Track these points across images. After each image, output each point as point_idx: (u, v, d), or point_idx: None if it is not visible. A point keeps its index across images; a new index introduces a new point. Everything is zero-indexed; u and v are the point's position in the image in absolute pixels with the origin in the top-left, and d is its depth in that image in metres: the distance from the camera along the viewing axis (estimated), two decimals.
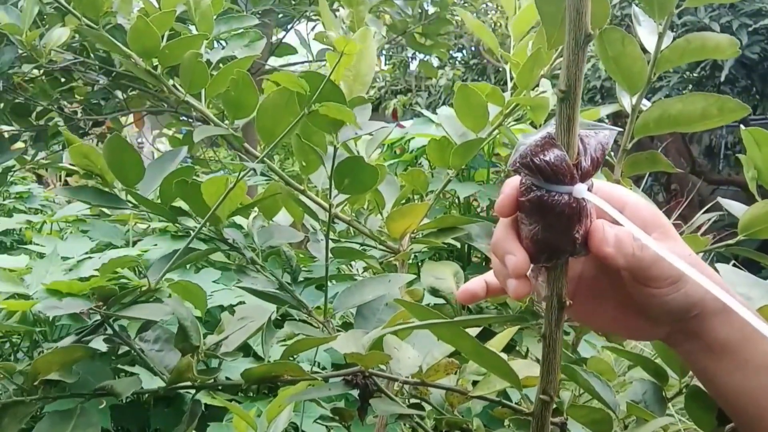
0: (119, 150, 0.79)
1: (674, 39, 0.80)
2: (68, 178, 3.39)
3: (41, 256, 1.89)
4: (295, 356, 1.69)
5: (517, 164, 0.46)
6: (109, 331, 0.81)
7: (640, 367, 0.83)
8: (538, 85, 0.90)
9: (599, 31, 0.75)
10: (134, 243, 2.05)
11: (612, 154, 0.91)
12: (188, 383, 0.73)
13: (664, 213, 0.54)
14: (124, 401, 1.63)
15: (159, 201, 0.84)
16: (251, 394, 1.68)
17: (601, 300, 0.55)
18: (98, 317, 0.80)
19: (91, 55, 1.61)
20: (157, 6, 1.00)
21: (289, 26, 2.55)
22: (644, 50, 0.80)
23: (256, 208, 0.91)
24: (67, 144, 0.83)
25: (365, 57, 0.79)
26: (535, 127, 0.98)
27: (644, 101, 0.82)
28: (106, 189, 0.83)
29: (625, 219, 0.47)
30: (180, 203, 0.87)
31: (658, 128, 0.81)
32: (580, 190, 0.46)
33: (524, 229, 0.48)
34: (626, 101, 0.82)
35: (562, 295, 0.49)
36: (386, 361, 0.72)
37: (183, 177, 0.80)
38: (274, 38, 2.51)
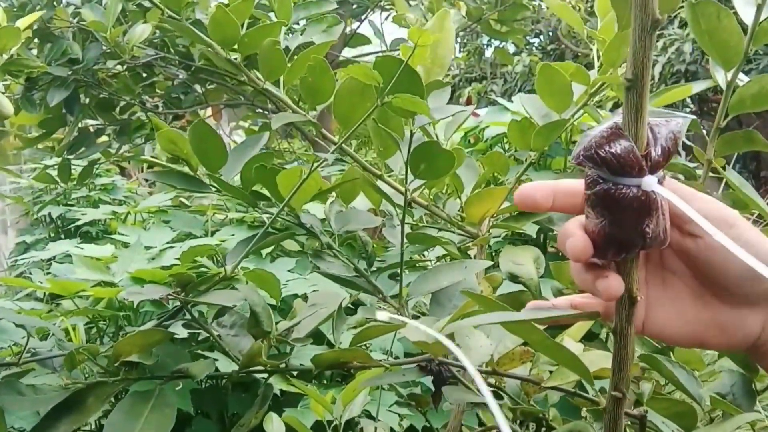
0: (204, 136, 0.82)
1: None
2: (149, 170, 3.50)
3: (126, 245, 1.96)
4: (368, 344, 1.70)
5: (581, 157, 0.44)
6: (188, 316, 0.83)
7: (728, 357, 0.79)
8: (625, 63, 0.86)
9: (692, 4, 0.71)
10: (213, 233, 2.10)
11: (705, 133, 0.87)
12: (260, 367, 0.75)
13: None
14: (203, 386, 1.67)
15: (240, 186, 0.85)
16: (324, 382, 1.70)
17: (680, 302, 0.51)
18: (177, 303, 0.82)
19: (172, 50, 1.65)
20: None
21: (362, 16, 2.56)
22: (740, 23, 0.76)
23: (333, 194, 0.92)
24: (156, 130, 0.86)
25: (444, 40, 0.78)
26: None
27: (741, 76, 0.78)
28: (191, 174, 0.85)
29: (695, 213, 0.44)
30: (260, 188, 0.88)
31: (755, 105, 0.76)
32: (649, 182, 0.43)
33: (590, 223, 0.45)
34: (720, 77, 0.78)
35: (633, 289, 0.47)
36: None
37: (262, 162, 0.82)
38: (348, 29, 2.52)
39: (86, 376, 0.77)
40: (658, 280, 0.51)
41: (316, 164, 0.78)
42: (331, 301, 0.77)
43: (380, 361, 0.74)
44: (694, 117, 0.60)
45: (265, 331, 0.75)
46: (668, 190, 0.44)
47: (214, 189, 0.85)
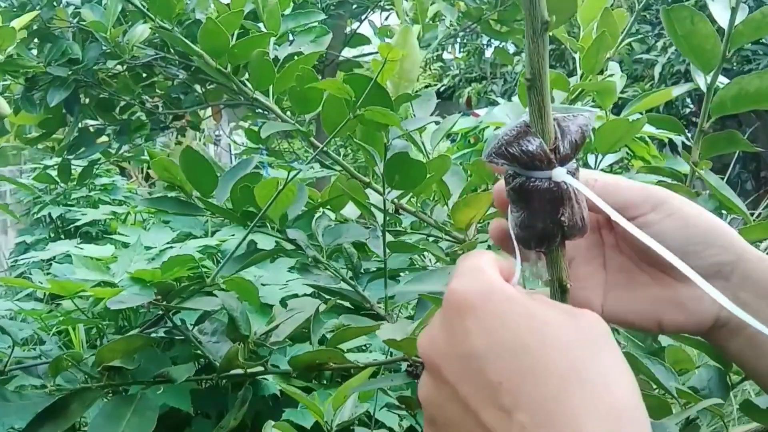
0: (194, 162, 0.84)
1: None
2: (150, 171, 3.52)
3: (126, 245, 1.97)
4: (367, 345, 1.71)
5: (492, 155, 0.47)
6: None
7: (703, 352, 0.80)
8: (605, 69, 0.88)
9: (666, 9, 0.73)
10: (213, 233, 2.11)
11: (689, 135, 0.88)
12: (239, 371, 0.77)
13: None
14: (203, 386, 1.69)
15: (231, 208, 0.87)
16: (324, 382, 1.71)
17: (636, 284, 0.52)
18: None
19: (171, 50, 1.66)
20: (227, 5, 1.03)
21: (362, 17, 2.56)
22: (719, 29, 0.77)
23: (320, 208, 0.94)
24: (150, 158, 0.88)
25: (409, 55, 0.80)
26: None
27: (722, 78, 0.79)
28: (185, 199, 0.88)
29: (601, 201, 0.47)
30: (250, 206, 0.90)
31: (735, 107, 0.78)
32: (558, 174, 0.46)
33: (513, 216, 0.48)
34: (701, 80, 0.80)
35: (563, 278, 0.49)
36: None
37: (246, 183, 0.84)
38: (348, 29, 2.52)
39: (79, 381, 0.78)
40: (615, 264, 0.53)
41: (292, 174, 0.79)
42: (309, 305, 0.80)
43: (356, 361, 0.76)
44: (599, 111, 0.63)
45: (243, 335, 0.77)
46: (577, 180, 0.47)
47: (208, 213, 0.87)
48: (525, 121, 0.46)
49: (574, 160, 0.47)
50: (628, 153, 2.17)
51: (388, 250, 0.84)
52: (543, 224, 0.47)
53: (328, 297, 0.97)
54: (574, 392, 0.35)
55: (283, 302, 1.73)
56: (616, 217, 0.47)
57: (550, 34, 0.47)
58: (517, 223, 0.48)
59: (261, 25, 1.03)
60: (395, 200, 0.86)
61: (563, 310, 0.40)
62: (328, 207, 0.96)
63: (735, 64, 4.83)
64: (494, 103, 2.33)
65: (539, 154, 0.46)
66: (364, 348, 1.73)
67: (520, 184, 0.47)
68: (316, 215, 0.93)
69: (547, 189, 0.46)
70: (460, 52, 8.04)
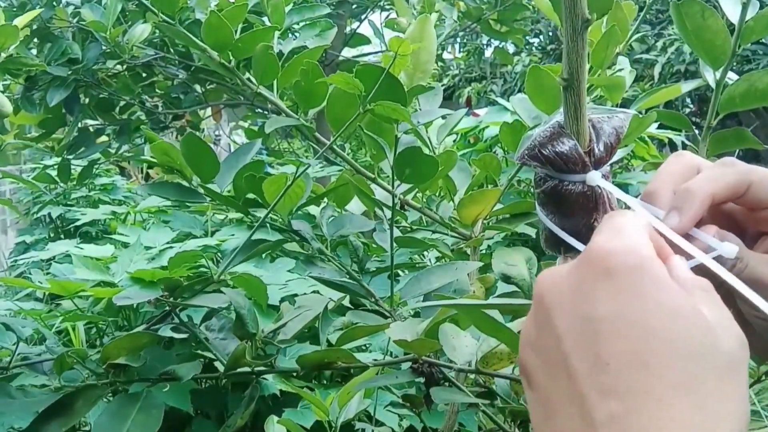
0: (195, 147, 0.83)
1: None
2: (149, 170, 3.52)
3: (125, 245, 1.96)
4: (367, 345, 1.70)
5: (525, 156, 0.45)
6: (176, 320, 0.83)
7: None
8: (615, 64, 0.87)
9: (676, 4, 0.72)
10: (212, 233, 2.11)
11: (696, 132, 0.87)
12: (246, 368, 0.76)
13: None
14: (203, 386, 1.68)
15: (233, 195, 0.86)
16: (325, 382, 1.70)
17: None
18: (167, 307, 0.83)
19: (171, 50, 1.65)
20: (231, 0, 1.02)
21: (362, 16, 2.57)
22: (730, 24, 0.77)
23: (325, 199, 0.92)
24: (149, 142, 0.86)
25: (425, 46, 0.79)
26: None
27: (731, 74, 0.79)
28: (185, 184, 0.86)
29: (641, 208, 0.42)
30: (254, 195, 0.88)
31: (744, 103, 0.77)
32: (593, 177, 0.44)
33: (543, 219, 0.47)
34: (710, 76, 0.79)
35: None
36: (435, 349, 0.72)
37: (252, 171, 0.82)
38: (348, 29, 2.52)
39: (84, 378, 0.77)
40: None
41: (301, 170, 0.78)
42: (318, 303, 0.78)
43: (365, 361, 0.75)
44: (635, 112, 0.61)
45: (250, 333, 0.76)
46: (612, 185, 0.45)
47: (208, 199, 0.86)
48: (558, 122, 0.45)
49: (608, 164, 0.45)
50: (627, 153, 2.17)
51: (395, 245, 0.83)
52: (575, 229, 0.45)
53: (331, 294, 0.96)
54: (680, 409, 0.32)
55: (290, 299, 1.72)
56: (667, 231, 0.40)
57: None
58: (548, 226, 0.46)
59: (265, 19, 1.03)
60: (401, 196, 0.85)
61: (714, 311, 0.34)
62: (334, 207, 0.95)
63: (734, 63, 4.85)
64: (494, 103, 2.32)
65: (573, 157, 0.44)
66: (364, 348, 1.72)
67: (552, 188, 0.45)
68: (321, 206, 0.91)
69: (580, 193, 0.44)
70: (459, 51, 8.04)
